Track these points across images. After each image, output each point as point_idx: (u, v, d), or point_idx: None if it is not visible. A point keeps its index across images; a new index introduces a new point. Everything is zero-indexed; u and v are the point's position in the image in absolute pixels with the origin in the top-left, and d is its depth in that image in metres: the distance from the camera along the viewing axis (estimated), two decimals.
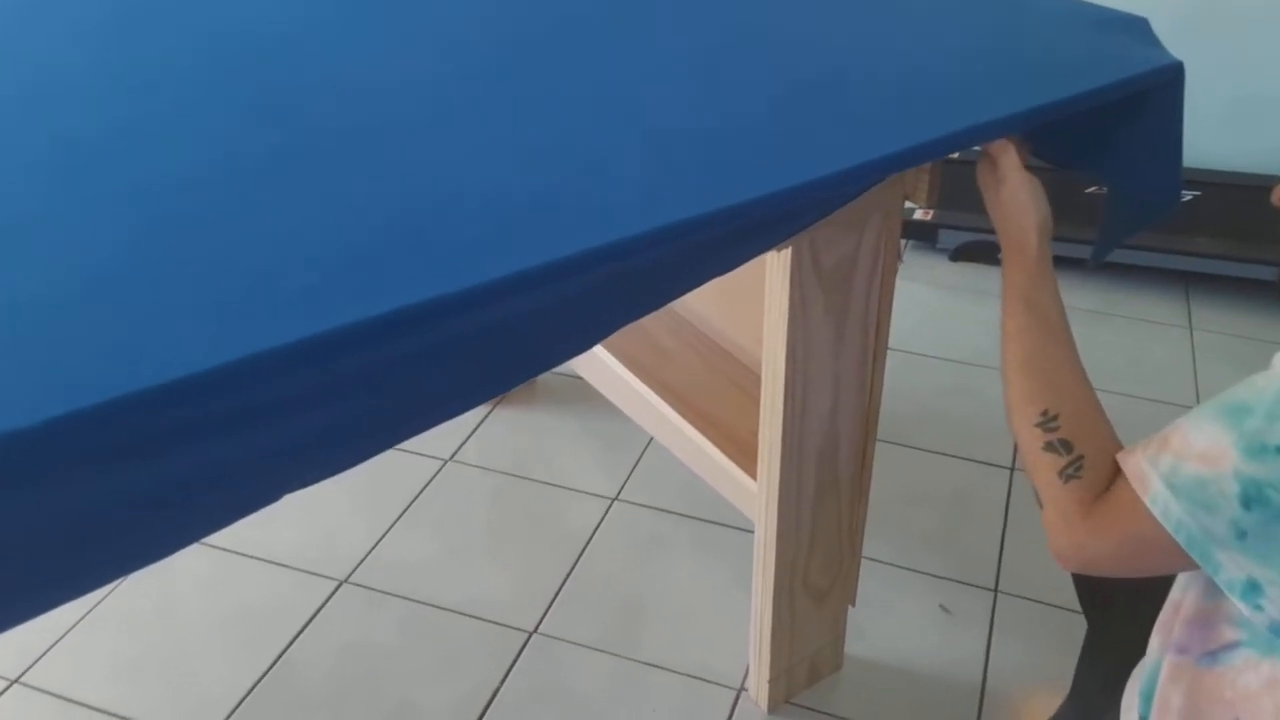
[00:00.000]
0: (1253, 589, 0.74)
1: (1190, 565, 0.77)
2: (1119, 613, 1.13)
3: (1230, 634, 0.83)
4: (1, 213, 0.77)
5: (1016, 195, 0.95)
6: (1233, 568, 0.74)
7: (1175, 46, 1.09)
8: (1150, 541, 0.77)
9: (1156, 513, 0.75)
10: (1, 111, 0.92)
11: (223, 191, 0.80)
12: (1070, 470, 0.83)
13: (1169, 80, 1.05)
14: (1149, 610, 0.97)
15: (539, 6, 1.16)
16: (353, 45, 1.06)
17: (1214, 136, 2.42)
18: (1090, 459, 0.84)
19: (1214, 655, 0.84)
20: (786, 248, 1.13)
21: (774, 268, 1.16)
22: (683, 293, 0.91)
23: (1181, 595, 0.88)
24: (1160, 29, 1.13)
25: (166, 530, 0.66)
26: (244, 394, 0.62)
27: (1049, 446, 0.85)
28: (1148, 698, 0.92)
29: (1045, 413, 0.86)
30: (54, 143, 0.86)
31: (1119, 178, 1.15)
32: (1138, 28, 1.14)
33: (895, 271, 1.25)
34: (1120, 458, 0.81)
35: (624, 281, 0.83)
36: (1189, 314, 2.51)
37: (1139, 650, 0.99)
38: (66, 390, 0.58)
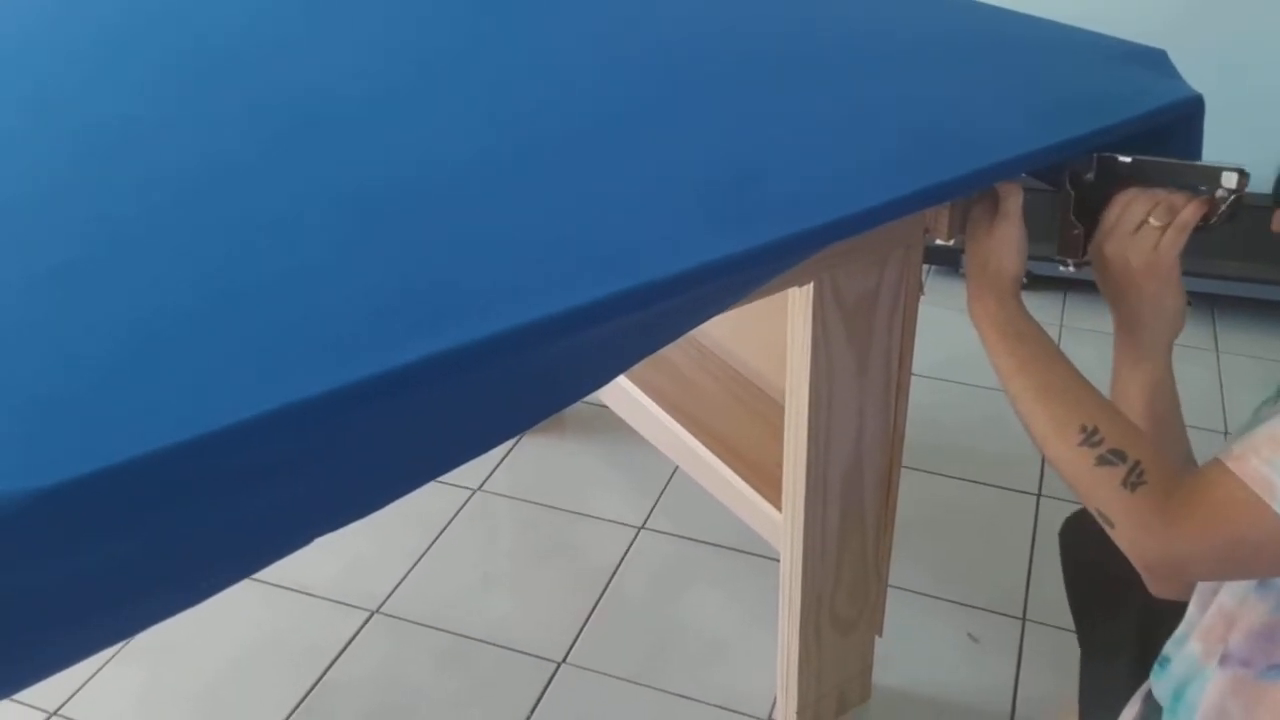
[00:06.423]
0: None
1: None
2: (1107, 611, 1.12)
3: None
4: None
5: (1009, 235, 0.95)
6: None
7: (1200, 66, 1.08)
8: (1261, 545, 0.75)
9: None
10: None
11: (266, 240, 0.82)
12: (1134, 478, 0.81)
13: (1189, 114, 1.06)
14: (1130, 610, 0.96)
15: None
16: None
17: (1241, 157, 2.41)
18: (1147, 463, 0.82)
19: (1279, 670, 0.83)
20: (809, 283, 1.14)
21: (796, 302, 1.17)
22: (705, 320, 0.93)
23: (1237, 606, 0.86)
24: (1184, 49, 1.13)
25: (197, 580, 0.68)
26: (285, 441, 0.64)
27: (1102, 460, 0.83)
28: (1180, 701, 0.90)
29: (1084, 428, 0.85)
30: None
31: None
32: (1156, 59, 1.15)
33: (917, 303, 1.26)
34: (1231, 463, 0.77)
35: (653, 319, 0.85)
36: (1215, 337, 2.49)
37: (1128, 649, 0.98)
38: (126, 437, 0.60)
